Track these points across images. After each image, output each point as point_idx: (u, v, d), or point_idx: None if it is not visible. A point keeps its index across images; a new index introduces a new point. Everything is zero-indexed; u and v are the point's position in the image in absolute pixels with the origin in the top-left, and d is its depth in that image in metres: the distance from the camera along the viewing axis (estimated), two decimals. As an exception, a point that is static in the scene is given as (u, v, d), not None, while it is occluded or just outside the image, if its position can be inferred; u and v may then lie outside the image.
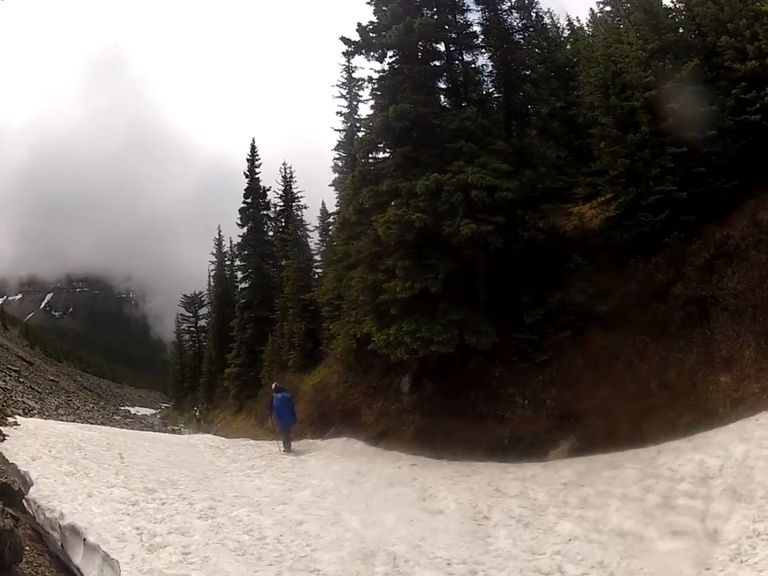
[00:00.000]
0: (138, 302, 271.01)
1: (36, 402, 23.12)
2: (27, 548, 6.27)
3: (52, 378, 43.65)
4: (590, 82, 13.68)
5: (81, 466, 10.85)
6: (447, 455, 11.82)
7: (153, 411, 61.00)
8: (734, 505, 6.47)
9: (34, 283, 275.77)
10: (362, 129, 21.25)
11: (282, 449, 14.57)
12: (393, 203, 12.90)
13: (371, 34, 14.04)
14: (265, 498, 9.65)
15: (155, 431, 30.94)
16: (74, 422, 22.62)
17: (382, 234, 12.55)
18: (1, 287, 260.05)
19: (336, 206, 24.15)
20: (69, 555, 6.83)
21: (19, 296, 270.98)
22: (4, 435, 12.46)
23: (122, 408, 51.20)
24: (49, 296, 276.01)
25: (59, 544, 7.13)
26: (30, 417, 19.22)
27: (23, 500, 7.98)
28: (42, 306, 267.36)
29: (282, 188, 33.30)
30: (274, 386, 16.03)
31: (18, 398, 21.68)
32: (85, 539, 6.76)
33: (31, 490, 8.65)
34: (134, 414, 48.88)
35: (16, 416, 17.27)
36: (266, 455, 14.73)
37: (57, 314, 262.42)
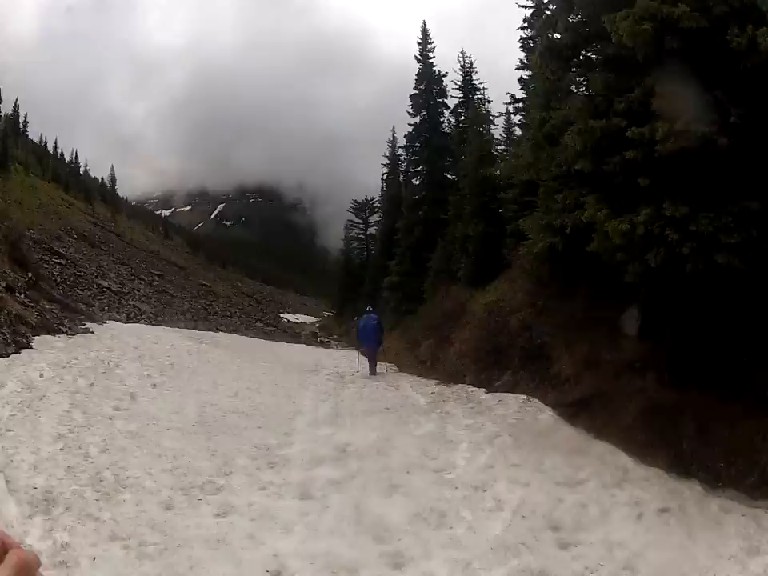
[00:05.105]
0: (307, 211, 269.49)
1: (153, 307, 20.87)
2: None
3: (205, 282, 43.54)
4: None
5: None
6: (707, 478, 6.28)
7: (314, 319, 59.22)
8: None
9: (204, 195, 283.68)
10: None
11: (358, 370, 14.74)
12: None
13: None
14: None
15: (298, 343, 28.09)
16: (194, 329, 20.07)
17: (626, 36, 6.93)
18: (168, 199, 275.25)
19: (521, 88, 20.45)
20: None
21: (188, 207, 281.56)
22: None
23: (280, 315, 50.81)
24: (220, 206, 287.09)
25: None
26: (134, 322, 16.98)
27: None
28: (212, 217, 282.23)
29: (461, 78, 28.18)
30: (368, 308, 16.62)
31: (131, 302, 19.46)
32: None
33: None
34: (290, 321, 47.95)
35: (111, 321, 15.02)
36: (396, 418, 9.04)
37: (228, 223, 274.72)
